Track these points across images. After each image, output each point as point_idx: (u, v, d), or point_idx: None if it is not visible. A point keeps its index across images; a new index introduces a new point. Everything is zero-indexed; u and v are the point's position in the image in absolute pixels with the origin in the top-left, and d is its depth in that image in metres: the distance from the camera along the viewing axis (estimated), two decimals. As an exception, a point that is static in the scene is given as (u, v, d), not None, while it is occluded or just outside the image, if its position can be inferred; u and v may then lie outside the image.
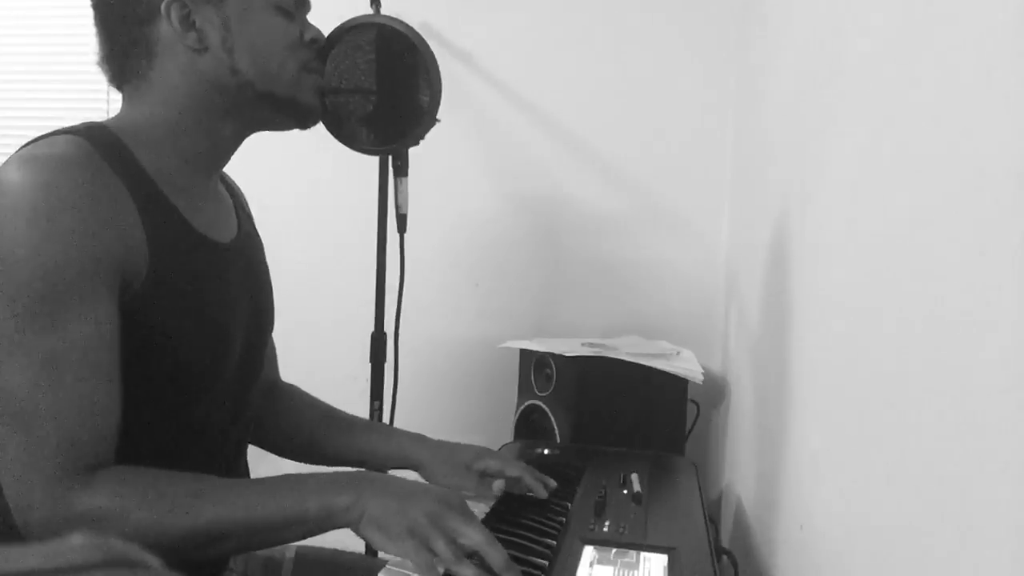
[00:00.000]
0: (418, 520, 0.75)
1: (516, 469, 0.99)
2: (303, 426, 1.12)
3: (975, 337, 0.48)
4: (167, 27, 0.86)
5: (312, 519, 0.76)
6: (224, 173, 1.03)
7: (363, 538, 0.76)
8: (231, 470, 0.98)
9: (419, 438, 1.08)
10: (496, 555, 0.73)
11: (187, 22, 0.86)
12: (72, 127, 0.82)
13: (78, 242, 0.74)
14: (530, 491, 0.98)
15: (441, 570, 0.73)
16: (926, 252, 0.57)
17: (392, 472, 1.06)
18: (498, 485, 0.98)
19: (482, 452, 1.04)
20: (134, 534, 0.72)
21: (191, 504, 0.74)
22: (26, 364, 0.72)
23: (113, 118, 0.89)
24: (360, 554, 1.34)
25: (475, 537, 0.74)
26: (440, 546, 0.73)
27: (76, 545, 0.24)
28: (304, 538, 0.79)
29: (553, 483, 0.99)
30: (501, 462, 1.01)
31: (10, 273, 0.72)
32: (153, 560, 0.25)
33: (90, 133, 0.81)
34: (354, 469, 0.82)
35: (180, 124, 0.88)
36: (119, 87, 0.91)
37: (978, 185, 0.48)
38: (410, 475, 1.03)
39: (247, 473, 1.03)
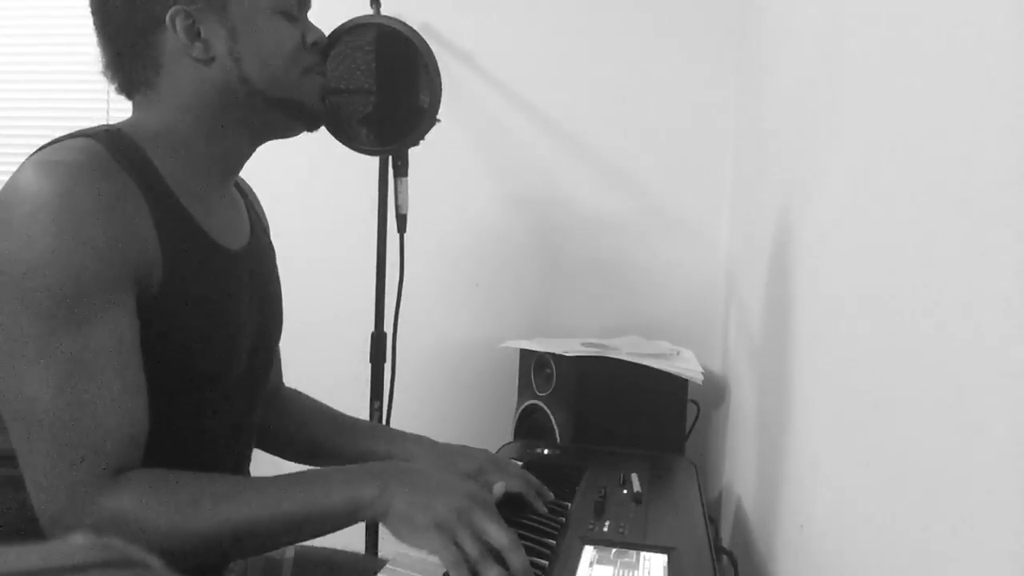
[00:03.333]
0: (445, 515, 0.74)
1: (517, 485, 0.96)
2: (306, 430, 1.11)
3: (975, 337, 0.48)
4: (172, 37, 0.85)
5: (338, 513, 0.76)
6: (240, 179, 1.03)
7: (390, 531, 0.76)
8: (236, 474, 0.98)
9: (422, 441, 1.07)
10: (517, 560, 0.73)
11: (192, 32, 0.85)
12: (87, 130, 0.82)
13: (98, 248, 0.73)
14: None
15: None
16: (926, 252, 0.57)
17: None
18: (499, 488, 0.96)
19: (485, 465, 1.01)
20: (160, 537, 0.72)
21: (216, 504, 0.74)
22: (50, 370, 0.72)
23: (126, 122, 0.88)
24: (360, 554, 1.34)
25: (500, 539, 0.74)
26: (467, 542, 0.73)
27: (77, 545, 0.24)
28: (332, 532, 0.78)
29: (551, 495, 0.98)
30: (503, 475, 0.98)
31: (32, 280, 0.72)
32: (153, 560, 0.25)
33: (106, 137, 0.80)
34: (380, 462, 0.81)
35: (192, 132, 0.88)
36: (127, 95, 0.90)
37: (979, 185, 0.48)
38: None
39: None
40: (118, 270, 0.75)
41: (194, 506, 0.74)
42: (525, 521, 0.89)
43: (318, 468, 0.80)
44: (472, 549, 0.72)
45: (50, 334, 0.72)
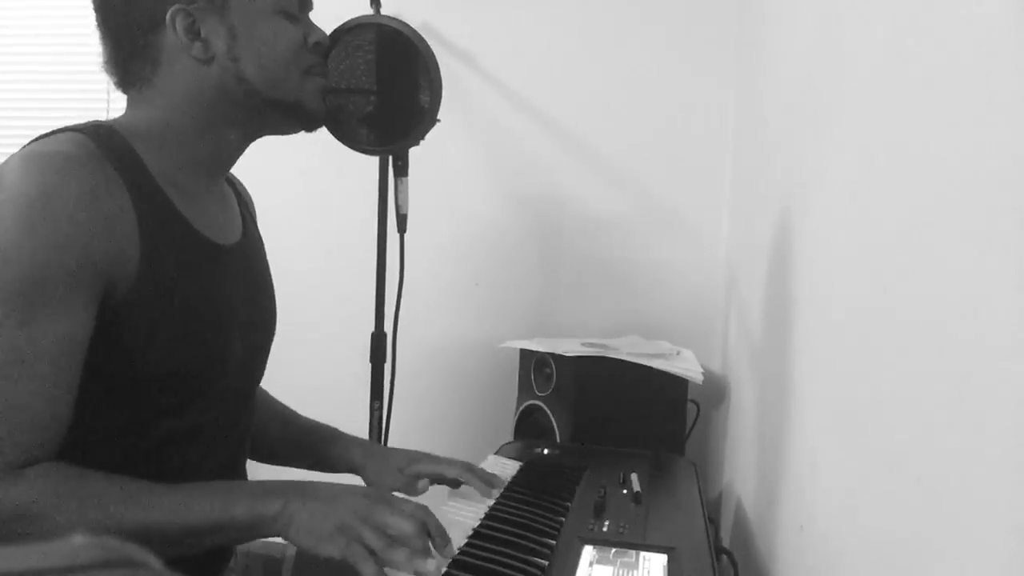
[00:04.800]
0: (346, 519, 0.76)
1: (454, 470, 1.00)
2: (261, 430, 1.12)
3: (976, 336, 0.48)
4: (172, 36, 0.85)
5: (239, 526, 0.77)
6: (231, 174, 1.03)
7: (296, 543, 0.77)
8: (231, 473, 0.98)
9: (360, 443, 1.12)
10: (418, 544, 0.75)
11: (192, 31, 0.85)
12: (78, 125, 0.82)
13: (64, 246, 0.74)
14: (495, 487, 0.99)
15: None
16: (926, 252, 0.57)
17: (339, 475, 1.08)
18: (423, 484, 1.01)
19: (416, 456, 1.06)
20: (60, 532, 0.72)
21: (116, 506, 0.74)
22: None
23: (119, 118, 0.89)
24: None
25: (402, 527, 0.75)
26: (369, 537, 0.74)
27: (77, 544, 0.24)
28: (236, 543, 0.78)
29: (501, 480, 1.01)
30: (437, 465, 1.03)
31: None
32: (154, 560, 0.25)
33: (96, 132, 0.81)
34: (283, 480, 0.82)
35: (186, 129, 0.88)
36: (124, 91, 0.90)
37: (978, 185, 0.48)
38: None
39: (245, 476, 1.03)
40: (82, 268, 0.75)
41: (94, 506, 0.74)
42: (525, 521, 0.89)
43: (224, 481, 0.83)
44: (374, 542, 0.74)
45: (0, 323, 0.72)
